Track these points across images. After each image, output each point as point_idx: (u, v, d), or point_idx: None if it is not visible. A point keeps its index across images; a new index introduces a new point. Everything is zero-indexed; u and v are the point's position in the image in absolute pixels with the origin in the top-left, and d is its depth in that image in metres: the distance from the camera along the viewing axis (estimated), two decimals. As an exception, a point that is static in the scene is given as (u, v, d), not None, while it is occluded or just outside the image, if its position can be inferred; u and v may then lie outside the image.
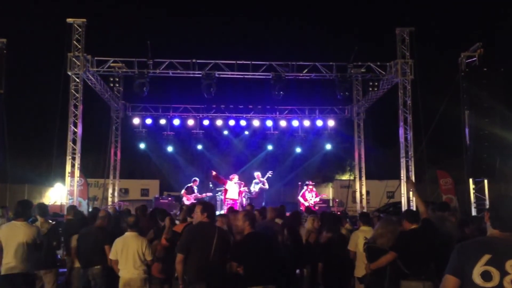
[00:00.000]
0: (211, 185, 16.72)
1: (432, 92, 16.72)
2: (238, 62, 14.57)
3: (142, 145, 19.69)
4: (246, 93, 19.67)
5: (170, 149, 19.90)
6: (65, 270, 7.90)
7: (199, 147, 20.64)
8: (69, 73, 13.84)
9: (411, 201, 13.87)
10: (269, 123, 19.01)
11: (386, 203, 18.01)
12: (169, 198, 17.23)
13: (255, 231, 5.37)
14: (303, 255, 6.64)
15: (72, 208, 8.91)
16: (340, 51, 19.98)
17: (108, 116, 18.46)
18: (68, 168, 14.00)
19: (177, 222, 7.58)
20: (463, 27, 27.95)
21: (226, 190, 14.95)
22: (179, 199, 16.49)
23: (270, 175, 16.41)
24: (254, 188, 16.00)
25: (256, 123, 18.86)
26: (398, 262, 5.16)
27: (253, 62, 14.60)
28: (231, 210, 9.43)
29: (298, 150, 20.43)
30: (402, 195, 14.52)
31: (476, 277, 2.58)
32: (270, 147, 20.55)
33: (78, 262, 6.90)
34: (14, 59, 16.27)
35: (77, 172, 14.04)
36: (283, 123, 18.96)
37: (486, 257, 2.59)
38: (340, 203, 19.66)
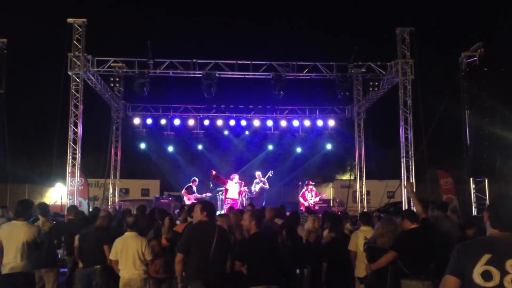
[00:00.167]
0: (211, 185, 16.74)
1: (432, 92, 16.70)
2: (238, 62, 14.57)
3: (142, 145, 19.71)
4: (246, 93, 19.64)
5: (170, 149, 19.92)
6: (66, 270, 7.92)
7: (200, 147, 20.66)
8: (70, 73, 13.84)
9: (411, 201, 13.87)
10: (269, 123, 19.01)
11: (386, 203, 18.00)
12: (170, 198, 17.25)
13: (260, 231, 5.37)
14: (302, 255, 6.64)
15: (73, 208, 8.92)
16: (340, 51, 19.96)
17: (108, 116, 18.47)
18: (68, 168, 14.00)
19: (177, 222, 7.59)
20: (463, 27, 27.94)
21: (226, 190, 14.97)
22: (179, 199, 16.51)
23: (270, 175, 16.44)
24: (255, 188, 16.02)
25: (256, 123, 18.87)
26: (398, 262, 5.17)
27: (253, 62, 14.59)
28: (232, 209, 9.45)
29: (299, 150, 20.46)
30: (403, 195, 14.52)
31: (477, 277, 2.58)
32: (270, 147, 20.56)
33: (80, 262, 6.92)
34: (15, 59, 16.25)
35: (77, 172, 14.03)
36: (283, 123, 18.96)
37: (486, 257, 2.59)
38: (340, 203, 19.69)
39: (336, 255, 6.48)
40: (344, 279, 6.51)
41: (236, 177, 15.06)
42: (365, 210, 16.17)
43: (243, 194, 15.43)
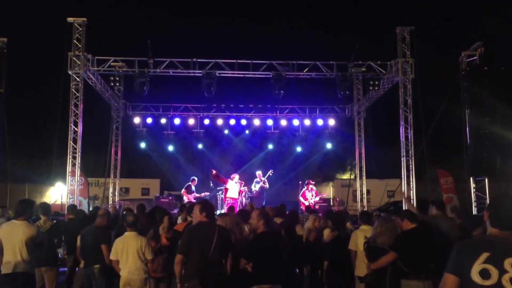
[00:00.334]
0: (211, 184, 16.74)
1: (432, 91, 16.70)
2: (238, 61, 14.58)
3: (142, 144, 19.72)
4: (246, 92, 19.66)
5: (170, 148, 19.93)
6: (65, 269, 7.93)
7: (200, 146, 20.66)
8: (70, 72, 13.85)
9: (411, 201, 13.88)
10: (269, 122, 19.01)
11: (386, 202, 17.98)
12: (170, 197, 17.25)
13: (268, 231, 5.38)
14: (302, 254, 6.65)
15: (72, 207, 8.94)
16: (340, 50, 19.98)
17: (108, 115, 18.48)
18: (68, 167, 14.01)
19: (179, 221, 7.60)
20: (463, 26, 27.92)
21: (226, 189, 14.96)
22: (180, 198, 16.52)
23: (271, 174, 16.44)
24: (255, 187, 16.03)
25: (256, 122, 18.87)
26: (398, 262, 5.17)
27: (253, 61, 14.60)
28: (231, 209, 9.45)
29: (299, 149, 20.46)
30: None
31: (475, 275, 2.58)
32: (270, 146, 20.56)
33: (82, 261, 6.92)
34: (15, 58, 16.27)
35: (77, 171, 14.05)
36: (283, 122, 18.96)
37: (485, 255, 2.59)
38: (340, 202, 19.70)
39: (338, 254, 6.49)
40: (345, 278, 6.52)
41: (236, 177, 15.05)
42: (365, 209, 16.19)
43: (243, 193, 15.43)
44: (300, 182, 17.38)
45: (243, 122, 18.87)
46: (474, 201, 12.93)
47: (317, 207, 14.82)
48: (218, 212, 12.13)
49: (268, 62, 14.50)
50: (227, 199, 14.80)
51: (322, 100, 19.42)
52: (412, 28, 14.30)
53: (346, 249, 6.50)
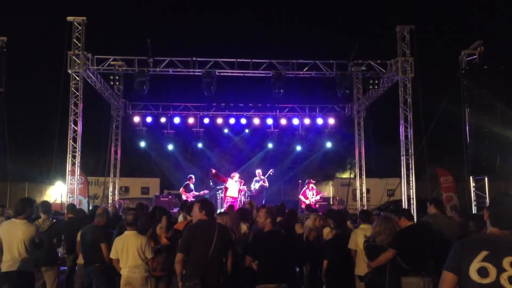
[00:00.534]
0: (211, 183, 16.75)
1: (432, 90, 16.72)
2: (238, 60, 14.56)
3: (142, 143, 19.71)
4: (246, 91, 19.68)
5: (170, 147, 19.92)
6: (65, 268, 7.93)
7: (200, 145, 20.64)
8: (69, 71, 13.83)
9: (411, 199, 13.89)
10: (269, 121, 19.01)
11: (386, 201, 18.01)
12: (170, 196, 17.25)
13: (275, 229, 5.37)
14: (301, 252, 6.64)
15: (72, 206, 8.94)
16: (340, 49, 20.04)
17: (108, 114, 18.46)
18: (68, 166, 14.00)
19: (180, 219, 7.60)
20: (463, 25, 27.91)
21: (226, 188, 14.96)
22: (179, 197, 16.52)
23: (271, 173, 16.45)
24: (255, 186, 16.04)
25: (256, 121, 18.87)
26: (397, 259, 5.18)
27: (253, 60, 14.59)
28: (231, 208, 9.45)
29: (299, 148, 20.46)
30: (402, 193, 14.52)
31: (473, 273, 2.58)
32: (270, 145, 20.54)
33: (82, 259, 6.92)
34: (15, 57, 16.27)
35: (77, 170, 14.04)
36: (283, 121, 18.95)
37: (483, 254, 2.60)
38: (340, 201, 19.71)
39: (338, 253, 6.48)
40: (344, 277, 6.52)
41: (236, 176, 15.06)
42: (365, 208, 16.20)
43: (243, 192, 15.43)
44: (300, 181, 17.38)
45: (243, 121, 18.86)
46: (474, 200, 12.93)
47: (317, 206, 14.83)
48: (218, 211, 12.13)
49: (268, 61, 14.50)
50: (227, 198, 14.80)
51: (322, 99, 19.43)
52: (412, 27, 14.27)
53: (346, 248, 6.50)
